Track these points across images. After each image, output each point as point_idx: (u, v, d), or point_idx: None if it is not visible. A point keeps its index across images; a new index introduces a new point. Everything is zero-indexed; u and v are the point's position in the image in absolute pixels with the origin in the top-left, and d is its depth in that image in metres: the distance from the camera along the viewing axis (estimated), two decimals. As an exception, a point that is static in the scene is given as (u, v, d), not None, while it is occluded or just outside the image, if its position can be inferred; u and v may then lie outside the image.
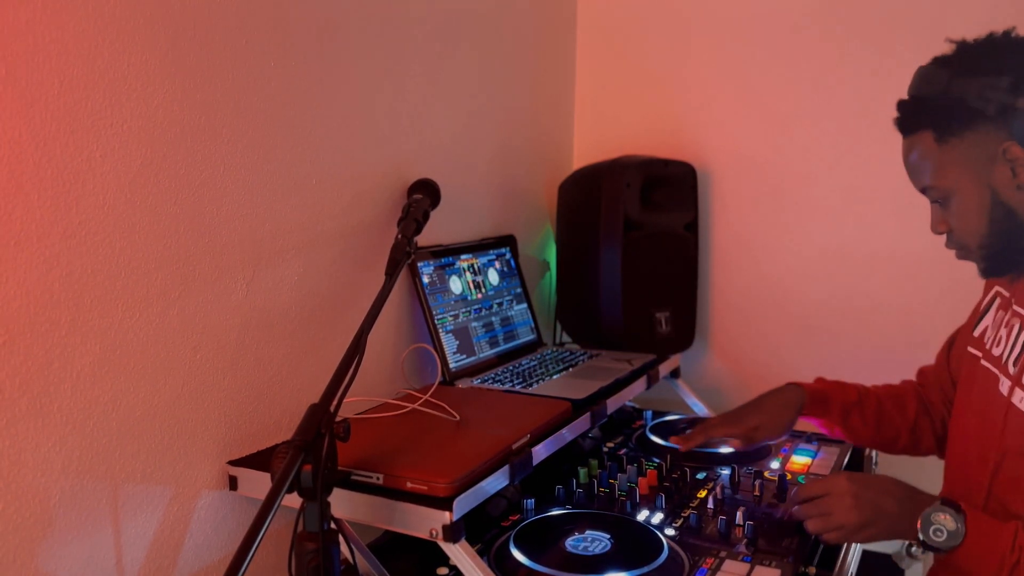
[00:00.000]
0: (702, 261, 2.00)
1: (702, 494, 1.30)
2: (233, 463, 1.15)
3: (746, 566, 1.07)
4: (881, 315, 1.82)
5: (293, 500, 0.86)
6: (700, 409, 1.75)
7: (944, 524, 1.02)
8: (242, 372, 1.18)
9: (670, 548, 1.09)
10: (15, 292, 0.89)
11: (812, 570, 1.11)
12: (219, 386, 1.14)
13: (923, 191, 1.14)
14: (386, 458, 1.07)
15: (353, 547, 1.04)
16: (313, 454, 0.85)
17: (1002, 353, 1.13)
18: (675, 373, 1.77)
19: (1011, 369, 1.10)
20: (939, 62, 1.08)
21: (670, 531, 1.17)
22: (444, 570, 1.12)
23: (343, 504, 1.03)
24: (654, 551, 1.07)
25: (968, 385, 1.22)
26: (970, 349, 1.23)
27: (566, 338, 2.03)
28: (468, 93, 1.68)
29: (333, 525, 0.89)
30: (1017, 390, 1.08)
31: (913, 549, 1.43)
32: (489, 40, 1.75)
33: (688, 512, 1.23)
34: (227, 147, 1.13)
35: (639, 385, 1.56)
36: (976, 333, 1.23)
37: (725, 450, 1.45)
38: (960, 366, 1.29)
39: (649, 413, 1.68)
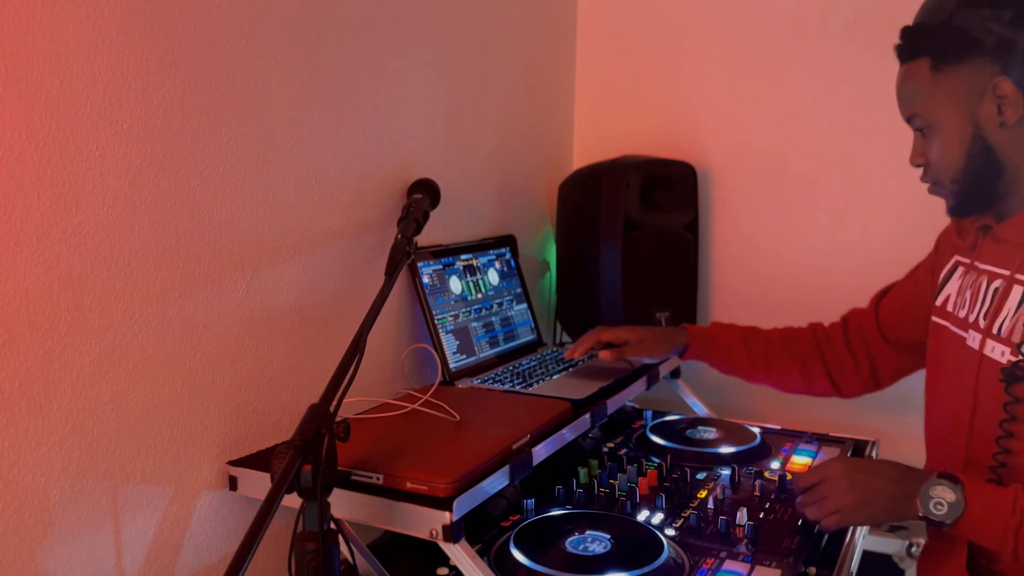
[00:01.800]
0: (702, 261, 1.99)
1: (702, 494, 1.30)
2: (233, 463, 1.15)
3: (746, 566, 1.07)
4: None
5: (293, 500, 0.86)
6: (700, 409, 1.75)
7: (943, 497, 1.02)
8: (242, 372, 1.18)
9: (670, 548, 1.09)
10: (15, 292, 0.89)
11: (812, 570, 1.11)
12: (219, 386, 1.14)
13: (909, 119, 1.15)
14: (386, 458, 1.07)
15: (353, 547, 1.04)
16: (313, 454, 0.85)
17: (968, 314, 1.14)
18: (675, 373, 1.77)
19: (981, 323, 1.11)
20: None
21: (670, 531, 1.17)
22: (444, 570, 1.12)
23: (343, 504, 1.03)
24: (654, 551, 1.07)
25: (938, 355, 1.23)
26: (936, 319, 1.24)
27: (566, 338, 2.03)
28: (468, 93, 1.68)
29: (333, 525, 0.89)
30: (988, 341, 1.09)
31: (913, 549, 1.43)
32: (489, 40, 1.75)
33: (688, 512, 1.23)
34: (227, 147, 1.13)
35: (639, 385, 1.56)
36: (938, 302, 1.24)
37: (713, 439, 1.45)
38: (897, 324, 1.37)
39: (649, 413, 1.68)
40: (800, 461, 1.44)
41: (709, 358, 1.56)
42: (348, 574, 1.05)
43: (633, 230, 1.82)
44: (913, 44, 1.12)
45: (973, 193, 1.12)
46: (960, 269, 1.22)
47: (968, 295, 1.16)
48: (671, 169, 1.89)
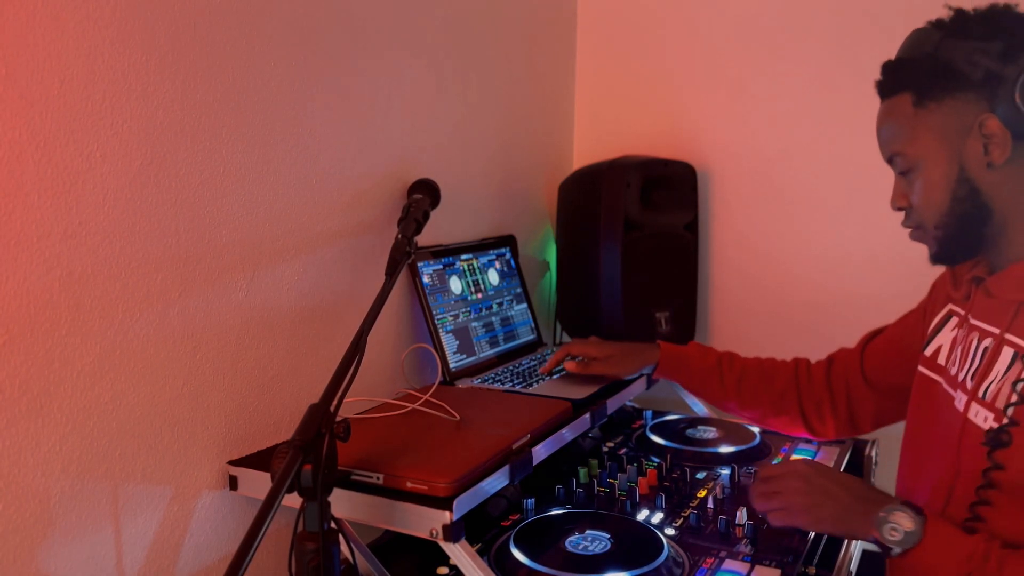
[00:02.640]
0: (702, 261, 2.00)
1: (702, 494, 1.30)
2: (233, 463, 1.15)
3: (746, 565, 1.07)
4: (882, 315, 1.81)
5: (293, 500, 0.86)
6: (700, 409, 1.75)
7: (901, 523, 0.96)
8: (242, 372, 1.18)
9: (670, 548, 1.09)
10: (15, 292, 0.89)
11: (812, 570, 1.11)
12: (219, 386, 1.14)
13: (890, 160, 1.08)
14: (386, 458, 1.07)
15: (353, 547, 1.04)
16: (313, 454, 0.85)
17: (958, 372, 1.06)
18: (674, 373, 1.77)
19: (968, 384, 1.03)
20: (933, 24, 1.02)
21: (670, 531, 1.17)
22: (444, 570, 1.12)
23: (343, 504, 1.03)
24: (654, 551, 1.07)
25: (923, 409, 1.15)
26: (925, 371, 1.15)
27: (566, 338, 2.03)
28: (468, 93, 1.68)
29: (333, 525, 0.89)
30: (973, 404, 1.01)
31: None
32: (489, 40, 1.75)
33: (688, 512, 1.23)
34: (227, 147, 1.13)
35: (639, 385, 1.56)
36: (928, 352, 1.16)
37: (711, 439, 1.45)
38: (881, 369, 1.30)
39: (649, 413, 1.68)
40: (800, 461, 1.44)
41: (680, 379, 1.50)
42: (348, 574, 1.05)
43: (633, 230, 1.82)
44: (895, 78, 1.05)
45: (958, 239, 1.04)
46: (954, 320, 1.13)
47: (959, 351, 1.08)
48: (671, 169, 1.89)
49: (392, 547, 1.19)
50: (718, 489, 1.31)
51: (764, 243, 1.95)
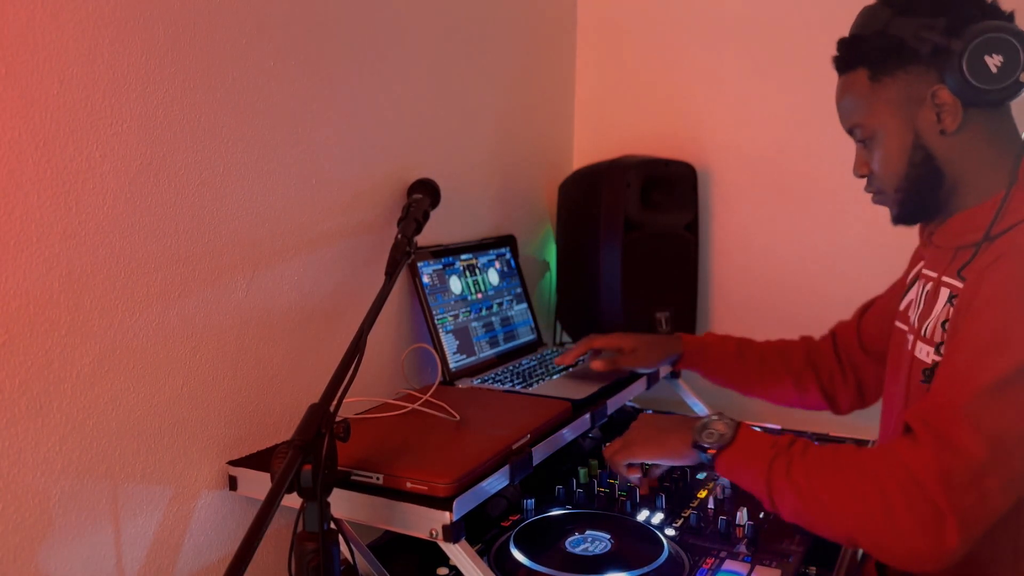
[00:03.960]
0: (702, 261, 1.99)
1: (702, 494, 1.30)
2: (233, 463, 1.15)
3: (746, 566, 1.07)
4: (881, 315, 1.82)
5: (293, 500, 0.86)
6: (700, 409, 1.75)
7: (716, 429, 1.05)
8: (242, 372, 1.18)
9: (670, 548, 1.09)
10: (15, 292, 0.89)
11: (812, 570, 1.11)
12: (219, 386, 1.14)
13: (850, 131, 1.16)
14: (386, 458, 1.07)
15: (353, 547, 1.04)
16: (313, 454, 0.85)
17: (914, 318, 1.14)
18: (675, 373, 1.77)
19: (916, 325, 1.12)
20: (883, 2, 1.09)
21: (670, 531, 1.17)
22: (444, 570, 1.12)
23: (343, 504, 1.03)
24: (654, 551, 1.07)
25: (891, 359, 1.23)
26: (898, 324, 1.23)
27: (566, 338, 2.03)
28: (468, 93, 1.68)
29: (333, 525, 0.89)
30: (918, 342, 1.10)
31: None
32: (489, 40, 1.75)
33: (688, 512, 1.23)
34: (227, 147, 1.13)
35: (639, 385, 1.56)
36: (901, 307, 1.23)
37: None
38: (876, 336, 1.36)
39: (649, 413, 1.68)
40: (800, 461, 1.44)
41: (703, 368, 1.54)
42: (348, 574, 1.06)
43: (633, 230, 1.82)
44: (850, 55, 1.13)
45: (916, 202, 1.11)
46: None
47: (913, 299, 1.18)
48: (671, 169, 1.89)
49: (392, 547, 1.20)
50: (718, 489, 1.31)
51: (764, 243, 1.94)
